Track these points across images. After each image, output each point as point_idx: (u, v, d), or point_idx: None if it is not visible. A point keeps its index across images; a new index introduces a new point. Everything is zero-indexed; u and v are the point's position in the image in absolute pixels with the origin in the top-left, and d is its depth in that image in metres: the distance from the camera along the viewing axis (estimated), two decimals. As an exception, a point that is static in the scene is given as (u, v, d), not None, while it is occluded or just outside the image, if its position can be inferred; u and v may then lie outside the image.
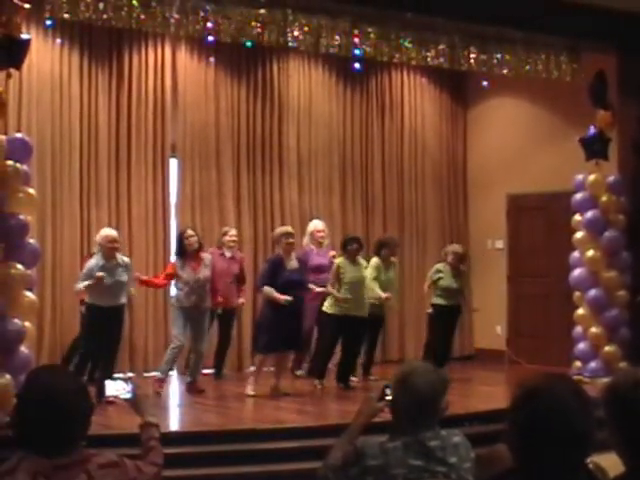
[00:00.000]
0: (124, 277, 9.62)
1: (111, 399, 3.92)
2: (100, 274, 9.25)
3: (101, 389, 8.61)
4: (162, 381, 10.17)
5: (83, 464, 3.16)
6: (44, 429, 3.13)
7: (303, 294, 10.14)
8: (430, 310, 11.30)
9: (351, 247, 10.51)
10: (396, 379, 3.66)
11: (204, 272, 10.17)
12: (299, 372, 11.55)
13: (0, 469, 3.18)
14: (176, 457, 6.64)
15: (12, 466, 3.14)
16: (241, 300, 11.43)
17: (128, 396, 3.76)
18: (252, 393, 9.95)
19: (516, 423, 2.69)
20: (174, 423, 9.02)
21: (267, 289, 9.92)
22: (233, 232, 11.43)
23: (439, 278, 11.13)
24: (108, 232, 9.76)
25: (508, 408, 2.74)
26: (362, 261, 10.68)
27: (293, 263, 10.03)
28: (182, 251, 10.25)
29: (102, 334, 9.40)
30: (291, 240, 10.08)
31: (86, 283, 9.32)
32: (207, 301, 10.29)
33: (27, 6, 8.23)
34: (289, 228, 10.60)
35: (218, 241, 11.44)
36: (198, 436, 8.01)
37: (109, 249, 9.53)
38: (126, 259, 9.84)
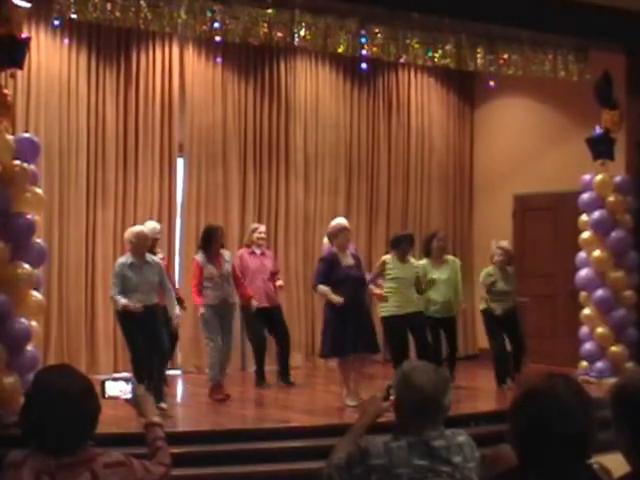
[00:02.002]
0: (154, 277, 9.36)
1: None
2: (138, 305, 8.97)
3: (158, 394, 8.51)
4: (219, 389, 9.72)
5: (88, 463, 3.18)
6: (51, 428, 3.16)
7: (363, 291, 9.65)
8: (485, 308, 10.84)
9: (405, 246, 10.12)
10: (398, 378, 3.66)
11: (226, 267, 9.89)
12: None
13: (9, 458, 3.23)
14: (181, 456, 6.65)
15: (19, 460, 3.19)
16: (279, 283, 11.03)
17: (129, 396, 3.75)
18: (353, 404, 9.06)
19: (517, 423, 2.70)
20: (179, 422, 9.02)
21: (322, 288, 9.41)
22: (262, 229, 11.21)
23: (492, 282, 10.69)
24: (139, 229, 9.55)
25: (509, 408, 2.76)
26: (413, 260, 10.32)
27: (349, 259, 9.53)
28: (208, 247, 9.88)
29: (144, 334, 9.13)
30: (347, 236, 9.62)
31: (124, 303, 9.00)
32: (233, 297, 10.00)
33: (27, 5, 8.23)
34: (346, 222, 9.95)
35: (247, 239, 11.21)
36: (203, 435, 8.02)
37: (140, 247, 9.27)
38: (156, 258, 9.58)
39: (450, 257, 11.05)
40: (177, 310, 9.55)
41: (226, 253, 10.09)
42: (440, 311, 10.65)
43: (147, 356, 9.09)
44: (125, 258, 9.33)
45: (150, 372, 9.00)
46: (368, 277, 10.09)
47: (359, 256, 10.13)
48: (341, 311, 9.23)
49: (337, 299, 9.19)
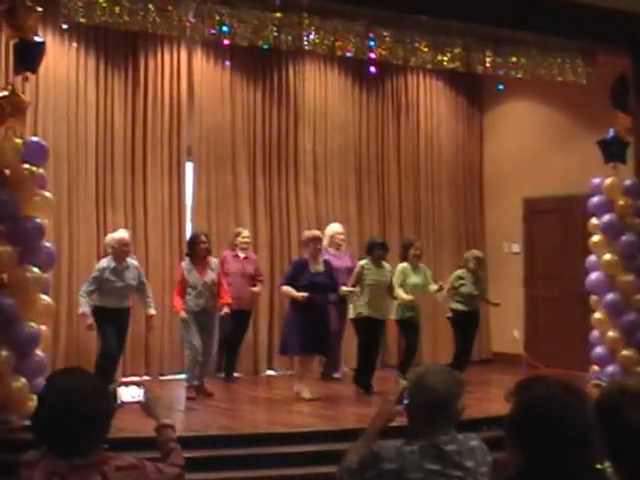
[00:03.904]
0: (134, 281, 9.77)
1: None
2: (89, 323, 9.66)
3: None
4: (192, 389, 10.07)
5: (100, 466, 3.18)
6: (63, 431, 3.16)
7: (328, 297, 10.17)
8: (449, 314, 11.37)
9: (378, 252, 10.58)
10: (411, 381, 3.64)
11: (210, 275, 10.16)
12: (336, 375, 11.60)
13: (24, 457, 3.27)
14: (191, 461, 6.62)
15: (33, 460, 3.23)
16: (256, 288, 11.43)
17: (142, 401, 3.74)
18: (309, 396, 9.92)
19: (522, 432, 2.70)
20: (189, 426, 9.00)
21: (285, 288, 10.08)
22: (245, 233, 11.48)
23: (461, 285, 11.18)
24: (122, 235, 9.87)
25: (510, 417, 2.74)
26: (387, 265, 10.74)
27: (319, 266, 10.13)
28: (192, 254, 10.21)
29: (115, 333, 9.63)
30: (319, 245, 10.24)
31: (83, 311, 9.62)
32: (215, 304, 10.27)
33: (39, 9, 8.24)
34: (318, 232, 10.68)
35: (231, 242, 11.49)
36: (213, 439, 8.01)
37: (122, 252, 9.68)
38: (135, 262, 10.00)
39: (422, 265, 11.35)
40: (152, 310, 10.01)
41: (213, 261, 10.34)
42: (412, 315, 11.01)
43: (115, 354, 9.77)
44: (107, 262, 9.71)
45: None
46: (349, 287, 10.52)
47: (331, 263, 10.50)
48: (303, 313, 9.84)
49: (300, 295, 9.82)
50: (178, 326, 10.45)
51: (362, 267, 10.55)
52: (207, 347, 10.20)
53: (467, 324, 11.28)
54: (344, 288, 10.36)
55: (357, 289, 10.44)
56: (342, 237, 11.60)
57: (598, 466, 2.73)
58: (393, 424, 3.79)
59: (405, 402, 3.65)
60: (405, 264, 11.05)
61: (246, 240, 11.41)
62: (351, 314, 10.80)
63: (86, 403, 3.17)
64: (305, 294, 9.79)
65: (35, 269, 8.13)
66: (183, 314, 9.93)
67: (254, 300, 11.73)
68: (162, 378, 11.45)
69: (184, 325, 10.08)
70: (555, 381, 2.75)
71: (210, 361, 10.46)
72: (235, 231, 11.60)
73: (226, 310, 10.41)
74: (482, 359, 13.61)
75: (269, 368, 12.33)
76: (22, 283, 8.04)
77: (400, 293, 10.75)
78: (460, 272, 11.34)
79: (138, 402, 3.74)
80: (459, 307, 11.23)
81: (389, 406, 3.79)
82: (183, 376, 10.52)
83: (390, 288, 10.66)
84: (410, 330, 11.09)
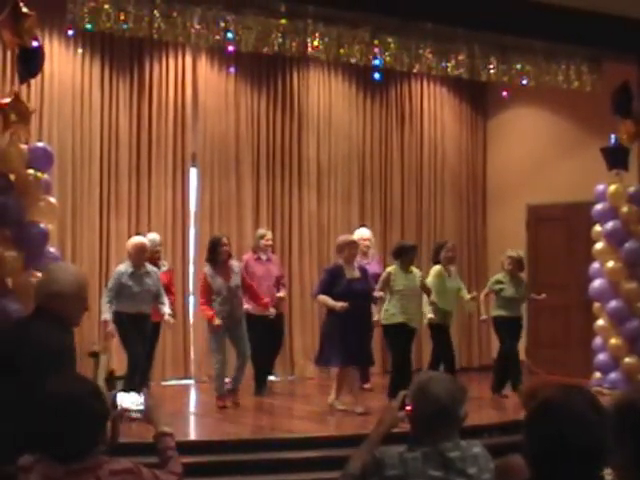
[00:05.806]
0: (154, 286, 9.52)
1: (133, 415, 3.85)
2: (110, 329, 9.39)
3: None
4: (223, 398, 9.78)
5: (95, 470, 3.17)
6: (58, 435, 3.15)
7: (366, 304, 9.73)
8: (494, 314, 10.80)
9: (406, 256, 10.14)
10: (414, 388, 3.65)
11: (235, 280, 9.92)
12: (367, 386, 11.15)
13: (19, 462, 3.26)
14: (193, 466, 6.64)
15: (29, 464, 3.21)
16: (281, 294, 11.03)
17: (141, 407, 3.73)
18: (343, 407, 9.55)
19: (533, 437, 2.68)
20: (192, 432, 9.01)
21: (322, 297, 9.62)
22: (270, 235, 11.21)
23: (500, 289, 10.75)
24: (137, 240, 9.69)
25: (525, 421, 2.73)
26: (415, 270, 10.32)
27: (355, 272, 9.68)
28: (214, 259, 9.93)
29: (139, 339, 9.36)
30: (354, 250, 9.80)
31: (106, 318, 9.34)
32: (241, 309, 10.01)
33: (31, 13, 8.24)
34: (354, 237, 10.33)
35: (254, 245, 11.17)
36: (216, 445, 8.00)
37: (138, 258, 9.45)
38: (154, 268, 9.76)
39: (454, 268, 10.99)
40: (167, 309, 9.65)
41: (235, 264, 10.13)
42: (445, 320, 10.61)
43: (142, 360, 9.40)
44: (125, 267, 9.48)
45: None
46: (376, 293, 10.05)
47: (366, 269, 10.08)
48: (342, 322, 9.35)
49: (339, 305, 9.32)
50: (208, 336, 10.15)
51: (389, 273, 10.10)
52: (241, 347, 9.88)
53: (511, 330, 10.75)
54: (376, 293, 9.93)
55: (381, 294, 10.03)
56: (367, 243, 11.08)
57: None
58: (396, 430, 3.79)
59: (408, 408, 3.66)
60: (439, 267, 10.64)
61: (270, 243, 11.11)
62: (383, 320, 10.17)
63: (80, 406, 3.16)
64: (345, 304, 9.29)
65: (40, 274, 8.14)
66: (217, 321, 9.62)
67: (280, 304, 11.23)
68: (164, 383, 11.44)
69: (214, 336, 9.80)
70: (581, 393, 2.71)
71: (246, 365, 10.05)
72: (259, 233, 11.23)
73: (272, 310, 10.39)
74: (482, 365, 13.59)
75: (269, 373, 12.28)
76: (27, 288, 8.03)
77: (465, 293, 10.51)
78: (499, 276, 10.91)
79: (138, 410, 3.73)
80: (501, 313, 10.72)
81: (392, 412, 3.79)
82: (185, 382, 10.49)
83: (424, 287, 10.24)
84: (441, 335, 10.63)
